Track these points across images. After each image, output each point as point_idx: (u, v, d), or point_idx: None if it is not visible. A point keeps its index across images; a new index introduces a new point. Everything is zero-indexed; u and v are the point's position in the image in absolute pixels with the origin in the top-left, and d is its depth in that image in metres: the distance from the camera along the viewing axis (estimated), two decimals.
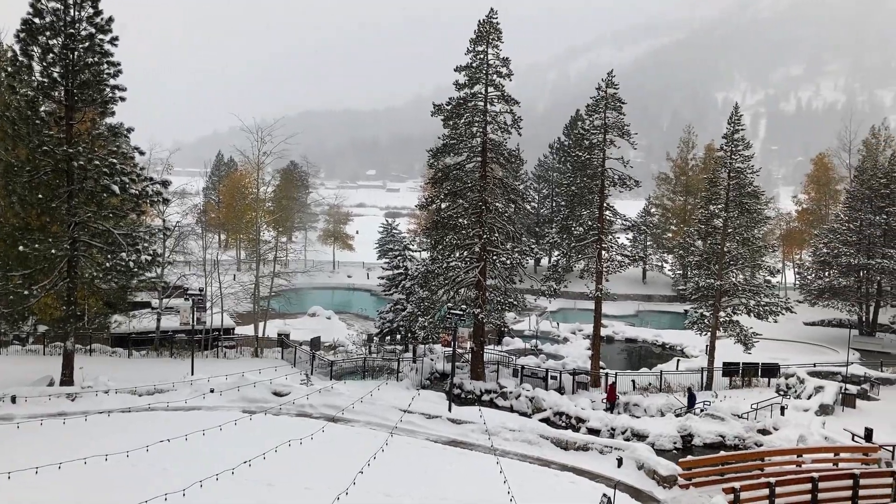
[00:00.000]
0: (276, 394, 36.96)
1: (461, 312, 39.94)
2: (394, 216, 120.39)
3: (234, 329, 53.36)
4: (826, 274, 66.64)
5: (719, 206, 45.09)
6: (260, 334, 50.88)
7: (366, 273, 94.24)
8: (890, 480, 24.13)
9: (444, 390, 39.50)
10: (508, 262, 44.19)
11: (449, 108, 42.83)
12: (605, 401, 39.55)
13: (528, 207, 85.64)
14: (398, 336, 51.23)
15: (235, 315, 56.85)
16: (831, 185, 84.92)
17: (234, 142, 66.63)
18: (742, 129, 45.13)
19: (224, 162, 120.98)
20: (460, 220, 43.01)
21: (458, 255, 43.67)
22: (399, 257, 53.07)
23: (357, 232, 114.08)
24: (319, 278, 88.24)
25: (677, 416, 36.29)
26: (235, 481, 23.34)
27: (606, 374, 44.04)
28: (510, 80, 43.25)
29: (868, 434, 30.10)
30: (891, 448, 28.94)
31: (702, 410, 36.09)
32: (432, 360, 47.63)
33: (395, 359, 46.55)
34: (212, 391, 36.75)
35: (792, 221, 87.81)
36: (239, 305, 56.19)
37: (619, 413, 37.89)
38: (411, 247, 61.74)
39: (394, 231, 64.83)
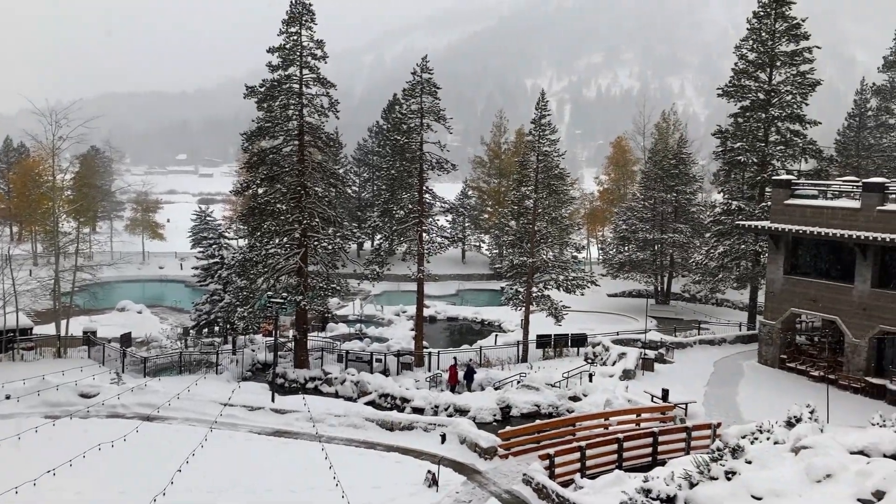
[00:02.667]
0: (84, 395, 34.59)
1: (282, 300, 39.24)
2: (208, 202, 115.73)
3: (31, 329, 49.02)
4: (626, 248, 71.98)
5: (530, 188, 47.30)
6: (63, 333, 47.14)
7: (179, 263, 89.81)
8: (683, 436, 26.60)
9: (267, 380, 38.73)
10: (330, 247, 43.90)
11: (263, 90, 41.69)
12: (448, 383, 40.19)
13: (349, 191, 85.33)
14: (216, 328, 49.46)
15: (33, 314, 52.22)
16: (628, 166, 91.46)
17: (24, 125, 60.94)
18: (548, 115, 47.49)
19: (13, 147, 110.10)
20: (279, 206, 42.12)
21: (277, 241, 42.75)
22: (214, 246, 51.13)
23: (168, 220, 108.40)
24: (128, 271, 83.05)
25: (496, 389, 37.94)
26: (38, 493, 21.68)
27: (430, 354, 45.09)
28: (326, 63, 42.75)
29: (665, 394, 33.05)
30: (684, 406, 32.01)
31: (519, 382, 37.91)
32: (253, 350, 46.49)
33: (213, 352, 44.91)
34: (7, 398, 33.75)
35: (595, 200, 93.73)
36: (37, 303, 51.60)
37: (458, 391, 38.92)
38: (227, 234, 59.68)
39: (208, 218, 62.19)
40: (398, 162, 46.18)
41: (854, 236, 35.47)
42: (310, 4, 41.51)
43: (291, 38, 41.43)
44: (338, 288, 44.65)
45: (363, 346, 49.04)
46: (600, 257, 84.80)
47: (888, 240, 33.96)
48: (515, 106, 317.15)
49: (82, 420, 31.46)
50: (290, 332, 46.29)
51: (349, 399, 37.57)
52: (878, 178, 41.00)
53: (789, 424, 19.03)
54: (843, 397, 34.51)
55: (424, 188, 45.98)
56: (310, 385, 40.86)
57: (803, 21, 50.71)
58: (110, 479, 23.90)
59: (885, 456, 15.99)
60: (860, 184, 37.33)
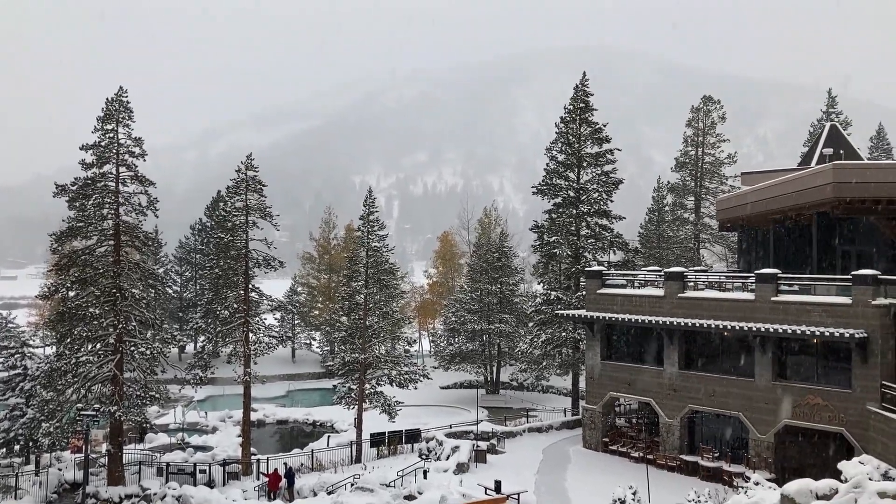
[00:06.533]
0: None
1: (95, 412, 36.26)
2: (10, 308, 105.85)
3: None
4: (455, 340, 73.34)
5: (360, 283, 47.50)
6: None
7: None
8: None
9: (76, 502, 35.22)
10: (148, 351, 41.36)
11: (75, 188, 39.53)
12: (265, 488, 38.13)
13: (170, 291, 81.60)
14: (17, 447, 44.62)
15: None
16: (455, 259, 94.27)
17: None
18: (376, 211, 48.45)
19: None
20: (91, 310, 39.33)
21: (90, 347, 39.79)
22: (16, 355, 46.72)
23: None
24: None
25: (329, 493, 36.69)
26: None
27: (259, 461, 43.03)
28: (145, 160, 41.40)
29: (497, 486, 33.42)
30: (516, 496, 32.53)
31: (353, 485, 36.93)
32: (60, 469, 42.24)
33: (12, 474, 40.30)
34: None
35: (425, 294, 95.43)
36: None
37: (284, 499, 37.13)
38: (32, 342, 54.76)
39: (9, 325, 57.10)
40: (223, 260, 45.00)
41: (660, 322, 38.40)
42: (128, 102, 40.37)
43: (107, 136, 39.87)
44: (157, 395, 41.89)
45: (186, 456, 46.03)
46: (432, 350, 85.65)
47: (689, 324, 37.05)
48: (344, 202, 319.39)
49: None
50: (104, 447, 42.62)
51: None
52: (677, 267, 45.00)
53: None
54: (662, 476, 36.50)
55: (251, 286, 44.91)
56: (126, 503, 37.54)
57: (604, 126, 55.83)
58: None
59: None
60: (662, 273, 40.78)
